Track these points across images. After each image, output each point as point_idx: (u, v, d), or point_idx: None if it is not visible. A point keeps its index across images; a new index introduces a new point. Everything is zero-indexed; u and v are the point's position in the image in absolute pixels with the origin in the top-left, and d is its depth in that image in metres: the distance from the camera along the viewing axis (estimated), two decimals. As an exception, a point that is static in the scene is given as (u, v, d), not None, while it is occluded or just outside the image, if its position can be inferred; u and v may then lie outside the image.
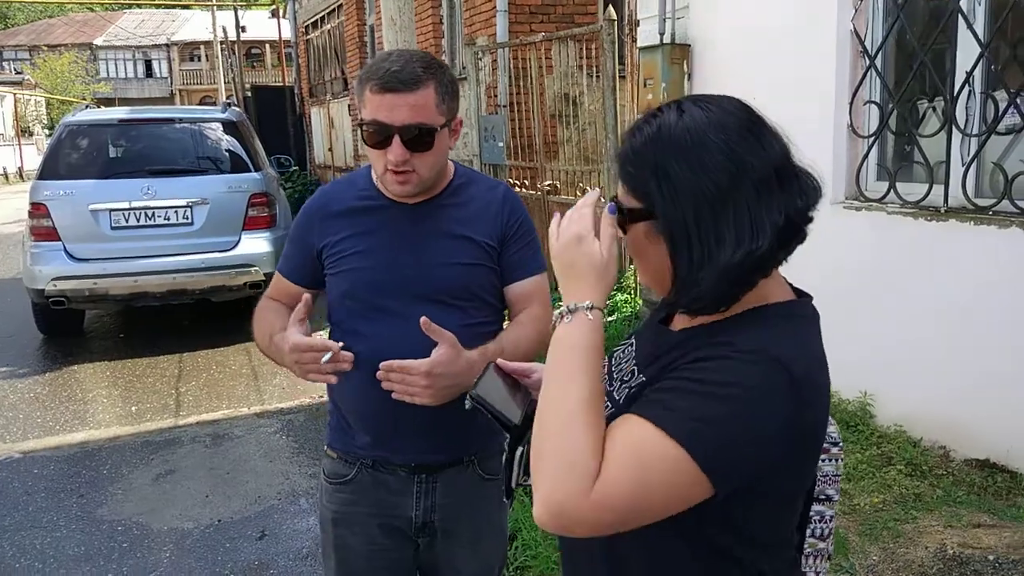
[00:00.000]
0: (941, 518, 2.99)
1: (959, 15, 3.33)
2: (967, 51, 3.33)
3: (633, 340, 1.21)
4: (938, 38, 3.50)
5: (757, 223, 0.94)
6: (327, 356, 1.54)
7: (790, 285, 1.07)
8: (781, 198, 0.96)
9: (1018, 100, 3.17)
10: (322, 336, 1.68)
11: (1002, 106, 3.22)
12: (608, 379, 1.16)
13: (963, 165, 3.38)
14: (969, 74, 3.32)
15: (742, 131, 0.96)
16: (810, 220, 1.00)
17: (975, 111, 3.36)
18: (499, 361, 1.26)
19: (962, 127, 3.38)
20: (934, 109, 3.59)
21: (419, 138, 1.54)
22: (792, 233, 0.97)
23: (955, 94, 3.38)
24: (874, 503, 3.13)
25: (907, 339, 3.57)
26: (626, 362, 1.16)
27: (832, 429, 1.25)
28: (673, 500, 0.91)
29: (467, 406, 1.14)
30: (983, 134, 3.33)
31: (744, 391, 0.91)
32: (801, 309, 1.05)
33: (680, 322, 1.11)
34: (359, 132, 1.67)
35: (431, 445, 1.68)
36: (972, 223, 3.28)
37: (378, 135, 1.55)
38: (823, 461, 1.20)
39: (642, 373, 1.06)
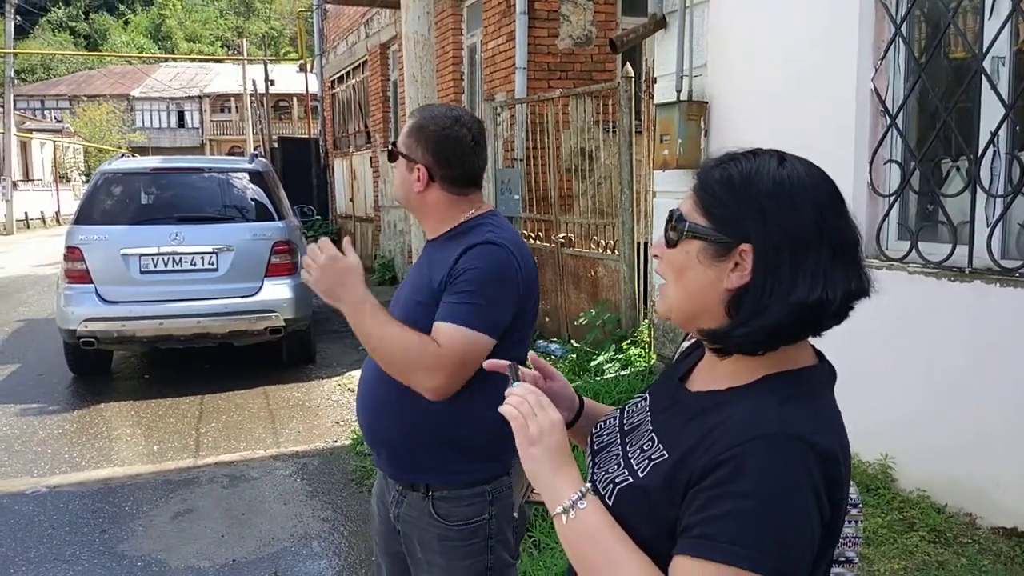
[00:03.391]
0: (966, 587, 2.91)
1: (983, 75, 3.36)
2: (991, 111, 3.34)
3: (648, 395, 1.20)
4: (961, 98, 3.52)
5: (829, 279, 0.98)
6: None
7: (812, 346, 1.08)
8: (852, 270, 1.01)
9: (1043, 161, 3.17)
10: None
11: (1028, 166, 3.22)
12: (620, 435, 1.16)
13: (988, 226, 3.36)
14: (994, 134, 3.32)
15: (832, 198, 1.01)
16: (859, 300, 1.03)
17: (1000, 171, 3.36)
18: (531, 356, 1.28)
19: (987, 187, 3.38)
20: (957, 169, 3.59)
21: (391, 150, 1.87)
22: (849, 306, 1.01)
23: (980, 154, 3.38)
24: (895, 569, 3.05)
25: (930, 401, 3.51)
26: (639, 416, 1.16)
27: (852, 490, 1.23)
28: None
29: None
30: (1009, 195, 3.32)
31: (779, 490, 0.91)
32: (818, 373, 1.06)
33: (699, 382, 1.11)
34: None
35: (380, 462, 1.88)
36: (998, 284, 3.25)
37: None
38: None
39: (662, 443, 1.05)
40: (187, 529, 3.95)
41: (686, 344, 1.26)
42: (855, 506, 1.23)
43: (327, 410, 5.90)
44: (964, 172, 3.52)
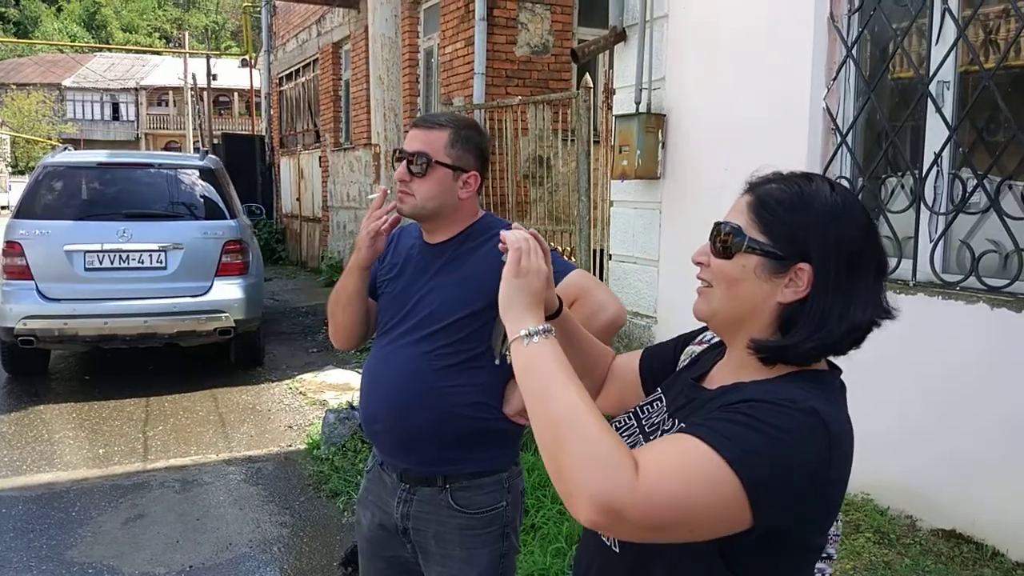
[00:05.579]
0: (911, 586, 3.04)
1: (928, 98, 3.53)
2: (936, 132, 3.51)
3: (661, 395, 1.24)
4: (907, 118, 3.69)
5: (873, 300, 1.07)
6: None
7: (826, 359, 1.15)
8: (883, 292, 1.09)
9: (984, 181, 3.34)
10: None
11: (969, 185, 3.39)
12: (642, 436, 1.19)
13: (931, 242, 3.53)
14: (937, 155, 3.49)
15: (873, 224, 1.10)
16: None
17: (943, 190, 3.53)
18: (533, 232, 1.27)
19: (930, 205, 3.54)
20: (903, 186, 3.76)
21: (417, 164, 1.81)
22: (878, 324, 1.08)
23: (924, 173, 3.55)
24: (846, 569, 3.18)
25: (873, 410, 3.62)
26: (657, 416, 1.20)
27: None
28: (714, 516, 0.93)
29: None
30: (951, 212, 3.49)
31: (789, 435, 0.96)
32: (834, 379, 1.13)
33: (718, 380, 1.16)
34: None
35: (406, 457, 1.85)
36: (940, 298, 3.42)
37: (398, 159, 1.86)
38: None
39: (682, 423, 1.10)
40: (139, 535, 3.85)
41: (697, 349, 1.31)
42: (836, 504, 1.30)
43: (279, 414, 5.81)
44: (909, 190, 3.69)
